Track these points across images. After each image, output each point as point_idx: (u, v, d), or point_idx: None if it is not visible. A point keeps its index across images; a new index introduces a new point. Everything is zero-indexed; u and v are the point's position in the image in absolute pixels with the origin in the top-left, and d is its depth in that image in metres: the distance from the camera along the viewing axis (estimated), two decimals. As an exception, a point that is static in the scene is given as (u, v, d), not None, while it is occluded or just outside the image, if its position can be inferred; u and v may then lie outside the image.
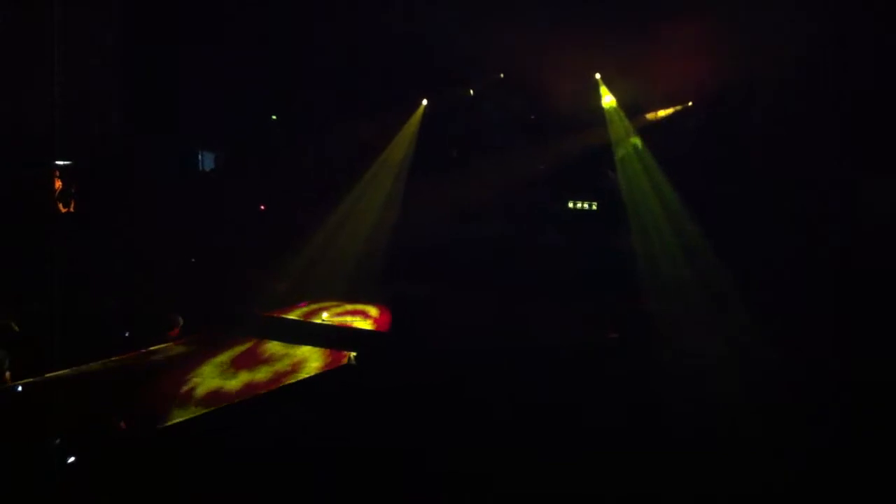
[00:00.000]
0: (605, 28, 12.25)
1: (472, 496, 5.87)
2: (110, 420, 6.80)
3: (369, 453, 6.23)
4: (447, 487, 5.91)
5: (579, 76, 13.78)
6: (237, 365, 9.63)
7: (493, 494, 5.90)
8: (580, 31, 12.25)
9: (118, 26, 12.45)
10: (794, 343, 8.72)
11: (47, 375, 8.49)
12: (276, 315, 12.09)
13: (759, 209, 11.75)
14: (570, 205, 14.39)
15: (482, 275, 12.39)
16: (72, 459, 5.92)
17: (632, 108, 13.86)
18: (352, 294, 13.11)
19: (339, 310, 12.47)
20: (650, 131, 13.78)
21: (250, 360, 9.86)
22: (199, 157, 15.09)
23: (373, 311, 12.51)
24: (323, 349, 10.25)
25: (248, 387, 8.77)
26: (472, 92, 14.99)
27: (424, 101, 14.98)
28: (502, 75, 14.57)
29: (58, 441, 6.10)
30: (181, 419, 7.57)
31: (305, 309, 12.55)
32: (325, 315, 12.08)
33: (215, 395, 8.42)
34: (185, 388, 8.59)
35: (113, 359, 9.33)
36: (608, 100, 14.02)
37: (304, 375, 9.29)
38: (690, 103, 13.56)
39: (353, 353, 9.55)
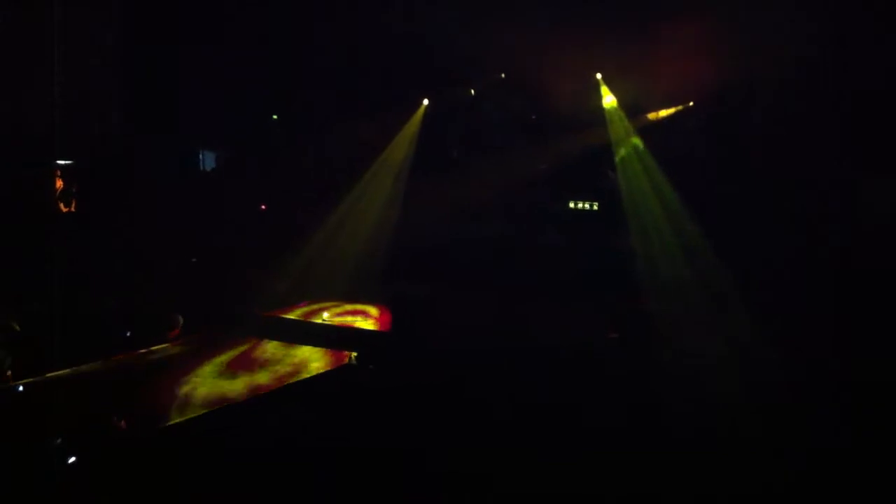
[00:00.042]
0: (606, 28, 12.25)
1: (472, 496, 5.87)
2: (110, 420, 6.81)
3: (369, 453, 6.23)
4: (447, 487, 5.90)
5: (580, 76, 13.78)
6: (237, 366, 9.65)
7: (493, 494, 5.90)
8: (581, 32, 12.26)
9: (118, 26, 12.44)
10: (794, 343, 8.72)
11: (47, 375, 8.51)
12: (276, 315, 12.10)
13: (759, 209, 11.75)
14: (571, 205, 14.39)
15: (482, 275, 12.40)
16: (72, 459, 5.93)
17: (632, 108, 13.86)
18: (352, 294, 13.12)
19: (339, 310, 12.49)
20: (651, 131, 13.77)
21: (250, 362, 9.87)
22: (201, 156, 15.08)
23: (373, 311, 12.52)
24: (323, 349, 10.27)
25: (249, 387, 8.79)
26: (472, 92, 14.99)
27: (425, 101, 14.98)
28: (503, 75, 14.57)
29: (58, 441, 6.11)
30: (181, 419, 7.58)
31: (305, 309, 12.56)
32: (325, 315, 12.09)
33: (215, 396, 8.44)
34: (185, 389, 8.60)
35: (113, 359, 9.35)
36: (609, 100, 14.02)
37: (304, 376, 9.32)
38: (691, 103, 13.56)
39: (354, 354, 9.57)
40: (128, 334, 10.00)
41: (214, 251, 12.94)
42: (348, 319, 12.04)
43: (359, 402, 7.74)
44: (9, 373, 8.19)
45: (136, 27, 12.61)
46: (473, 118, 15.23)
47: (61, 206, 11.45)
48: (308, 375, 9.30)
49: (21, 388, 8.03)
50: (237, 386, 8.78)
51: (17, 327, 9.00)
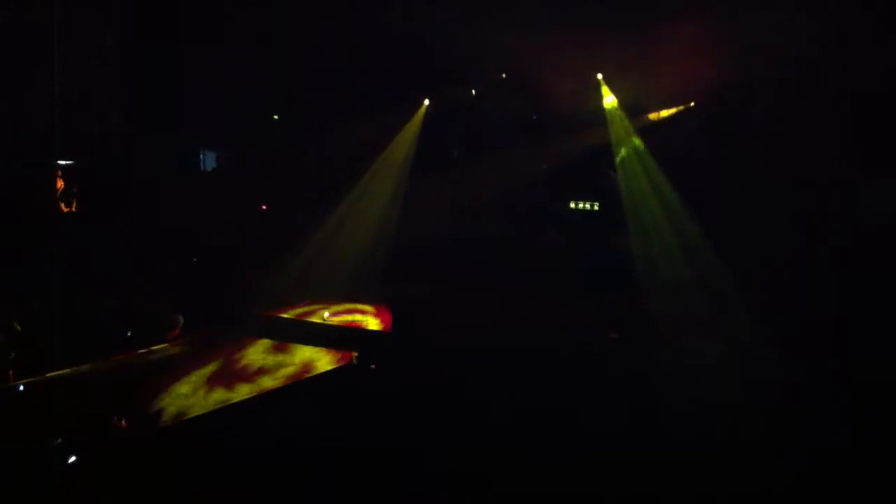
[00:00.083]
0: (606, 28, 12.25)
1: (472, 496, 5.87)
2: (110, 420, 6.82)
3: (369, 453, 6.23)
4: (447, 487, 5.90)
5: (580, 76, 13.78)
6: (237, 367, 9.65)
7: (493, 494, 5.90)
8: (581, 32, 12.26)
9: (118, 26, 12.44)
10: (794, 343, 8.72)
11: (47, 375, 8.51)
12: (276, 315, 12.10)
13: (759, 209, 11.75)
14: (571, 205, 14.39)
15: (482, 275, 12.39)
16: (72, 459, 5.93)
17: (633, 108, 13.86)
18: (352, 294, 13.12)
19: (339, 310, 12.48)
20: (651, 131, 13.77)
21: (251, 363, 9.87)
22: (201, 156, 15.08)
23: (373, 311, 12.52)
24: (325, 350, 10.27)
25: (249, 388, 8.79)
26: (473, 92, 14.99)
27: (426, 102, 14.98)
28: (504, 75, 14.57)
29: (58, 441, 6.11)
30: (181, 419, 7.59)
31: (305, 309, 12.56)
32: (325, 315, 12.09)
33: (215, 396, 8.44)
34: (185, 388, 8.60)
35: (113, 359, 9.36)
36: (609, 100, 14.02)
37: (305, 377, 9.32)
38: (691, 103, 13.56)
39: (356, 354, 9.57)
40: (128, 334, 10.01)
41: (214, 251, 12.94)
42: (348, 319, 12.04)
43: (359, 402, 7.75)
44: (11, 371, 8.21)
45: (135, 27, 12.61)
46: (474, 118, 15.23)
47: (62, 206, 11.46)
48: (308, 376, 9.31)
49: (21, 388, 8.03)
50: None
51: (18, 327, 9.00)
